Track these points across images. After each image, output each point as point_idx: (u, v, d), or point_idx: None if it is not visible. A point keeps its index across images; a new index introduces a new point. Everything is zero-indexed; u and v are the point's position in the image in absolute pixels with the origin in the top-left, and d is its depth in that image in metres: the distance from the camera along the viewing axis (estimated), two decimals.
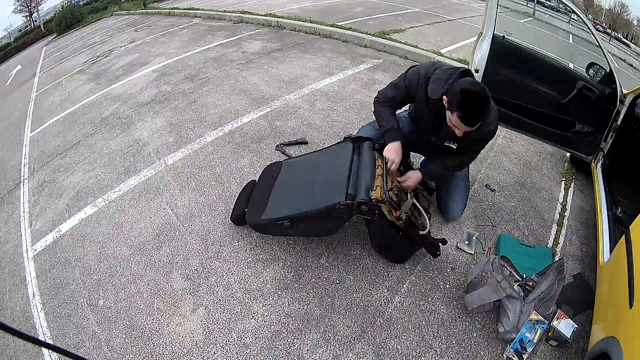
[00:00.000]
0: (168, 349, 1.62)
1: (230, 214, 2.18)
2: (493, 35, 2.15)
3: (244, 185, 2.31)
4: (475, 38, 2.30)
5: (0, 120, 6.05)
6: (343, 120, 3.17)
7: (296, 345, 1.58)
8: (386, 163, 1.83)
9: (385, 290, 1.78)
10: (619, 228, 1.81)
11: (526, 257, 1.91)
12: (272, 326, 1.66)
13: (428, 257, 1.87)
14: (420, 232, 1.70)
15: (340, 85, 3.83)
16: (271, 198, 1.96)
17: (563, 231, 2.21)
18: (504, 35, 2.19)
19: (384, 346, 1.57)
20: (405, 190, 1.82)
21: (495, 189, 2.45)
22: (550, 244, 2.10)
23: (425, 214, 1.79)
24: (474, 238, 2.04)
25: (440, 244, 1.78)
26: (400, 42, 4.95)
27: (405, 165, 1.92)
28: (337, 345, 1.58)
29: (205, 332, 1.66)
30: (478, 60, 2.20)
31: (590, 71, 2.30)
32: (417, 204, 1.82)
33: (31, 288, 2.08)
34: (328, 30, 5.66)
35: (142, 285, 1.91)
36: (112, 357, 1.62)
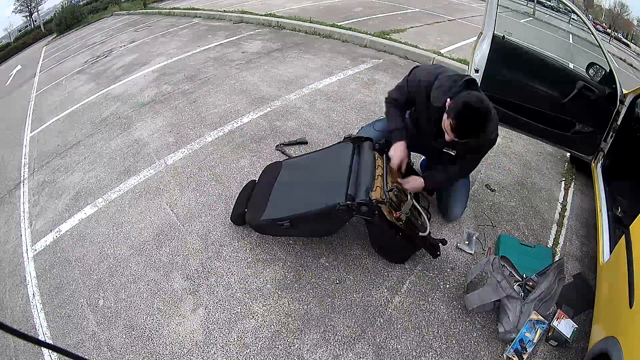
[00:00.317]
0: (168, 349, 1.62)
1: (230, 214, 2.18)
2: (493, 35, 2.15)
3: (244, 185, 2.31)
4: (475, 38, 2.30)
5: (0, 120, 6.05)
6: (343, 120, 3.17)
7: (296, 345, 1.58)
8: (387, 162, 1.83)
9: (385, 290, 1.78)
10: (619, 228, 1.81)
11: (526, 257, 1.91)
12: (272, 326, 1.66)
13: (428, 257, 1.87)
14: (421, 234, 1.70)
15: (340, 85, 3.83)
16: (271, 198, 1.96)
17: (563, 231, 2.21)
18: (504, 35, 2.19)
19: (384, 346, 1.57)
20: (405, 191, 1.82)
21: (495, 189, 2.45)
22: (550, 244, 2.10)
23: (425, 215, 1.79)
24: (474, 238, 2.04)
25: (440, 244, 1.78)
26: (400, 42, 4.95)
27: (408, 167, 1.92)
28: (337, 345, 1.58)
29: (205, 332, 1.66)
30: (478, 60, 2.20)
31: (590, 71, 2.30)
32: (417, 205, 1.82)
33: (31, 288, 2.08)
34: (328, 30, 5.66)
35: (142, 285, 1.91)
36: (112, 357, 1.62)
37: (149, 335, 1.68)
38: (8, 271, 2.30)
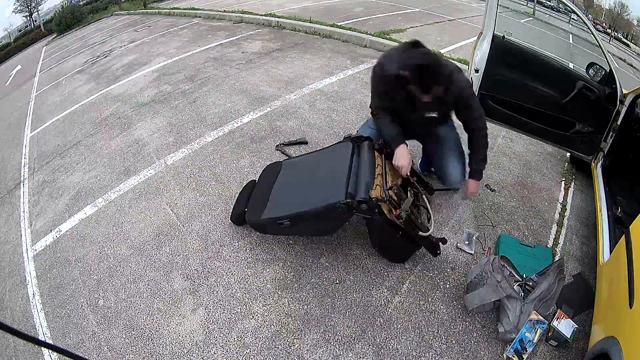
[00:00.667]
0: (168, 349, 1.62)
1: (230, 214, 2.18)
2: (493, 35, 2.15)
3: (244, 185, 2.31)
4: (475, 38, 2.30)
5: (0, 120, 6.05)
6: (343, 120, 3.17)
7: (296, 345, 1.58)
8: (387, 162, 1.84)
9: (385, 290, 1.78)
10: (619, 228, 1.81)
11: (526, 257, 1.90)
12: (272, 326, 1.66)
13: (428, 257, 1.87)
14: (421, 233, 1.70)
15: (340, 85, 3.83)
16: (271, 198, 1.96)
17: (563, 231, 2.21)
18: (504, 35, 2.19)
19: (384, 346, 1.57)
20: (405, 189, 1.82)
21: (495, 189, 2.45)
22: (550, 244, 2.10)
23: (425, 214, 1.79)
24: (474, 238, 2.04)
25: (440, 243, 1.78)
26: (400, 42, 4.94)
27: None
28: (337, 345, 1.58)
29: (205, 332, 1.66)
30: (478, 60, 2.20)
31: (590, 71, 2.30)
32: (417, 203, 1.82)
33: (31, 288, 2.08)
34: (328, 30, 5.66)
35: (142, 285, 1.91)
36: (112, 357, 1.62)
37: (149, 335, 1.68)
38: (8, 271, 2.30)
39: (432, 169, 2.30)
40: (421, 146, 2.32)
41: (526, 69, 2.26)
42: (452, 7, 9.33)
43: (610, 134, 2.26)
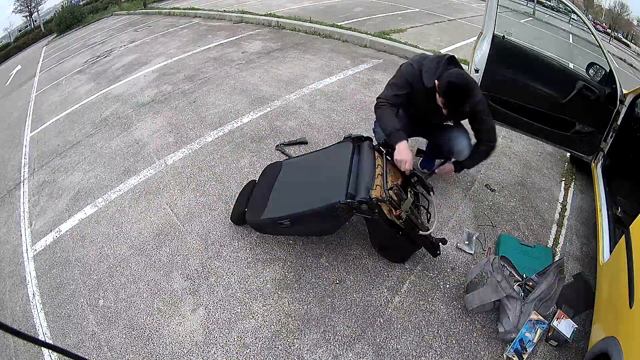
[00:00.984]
0: (168, 349, 1.62)
1: (230, 214, 2.18)
2: (493, 35, 2.15)
3: (244, 185, 2.31)
4: (475, 38, 2.30)
5: (0, 120, 6.05)
6: (343, 120, 3.17)
7: (296, 345, 1.58)
8: (387, 161, 1.84)
9: (385, 290, 1.78)
10: (619, 228, 1.81)
11: (526, 257, 1.91)
12: (272, 326, 1.66)
13: (428, 257, 1.87)
14: (421, 233, 1.70)
15: (340, 85, 3.83)
16: (271, 198, 1.96)
17: (563, 231, 2.21)
18: (504, 35, 2.19)
19: (384, 346, 1.57)
20: (406, 189, 1.82)
21: (495, 189, 2.45)
22: (550, 244, 2.10)
23: (427, 213, 1.79)
24: (474, 238, 2.04)
25: (440, 243, 1.78)
26: (400, 42, 4.95)
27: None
28: (337, 345, 1.58)
29: (205, 332, 1.66)
30: (478, 60, 2.20)
31: (590, 71, 2.30)
32: (417, 203, 1.82)
33: (31, 288, 2.08)
34: (328, 30, 5.66)
35: (142, 285, 1.91)
36: (112, 357, 1.62)
37: (149, 335, 1.68)
38: (8, 271, 2.30)
39: (435, 156, 2.41)
40: (417, 146, 2.36)
41: (526, 69, 2.26)
42: (452, 7, 9.34)
43: (610, 134, 2.26)
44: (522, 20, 8.48)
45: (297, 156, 2.43)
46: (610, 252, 1.63)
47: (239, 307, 1.74)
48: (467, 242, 2.02)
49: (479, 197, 2.37)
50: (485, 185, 2.47)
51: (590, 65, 2.31)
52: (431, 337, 1.60)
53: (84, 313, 1.84)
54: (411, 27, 6.36)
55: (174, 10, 10.35)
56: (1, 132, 5.25)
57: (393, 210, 1.65)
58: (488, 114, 1.95)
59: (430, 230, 1.74)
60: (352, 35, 5.31)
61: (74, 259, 2.17)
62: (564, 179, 2.68)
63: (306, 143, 2.85)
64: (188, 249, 2.07)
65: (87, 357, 0.76)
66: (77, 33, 14.34)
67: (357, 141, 1.99)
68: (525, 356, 1.50)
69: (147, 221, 2.31)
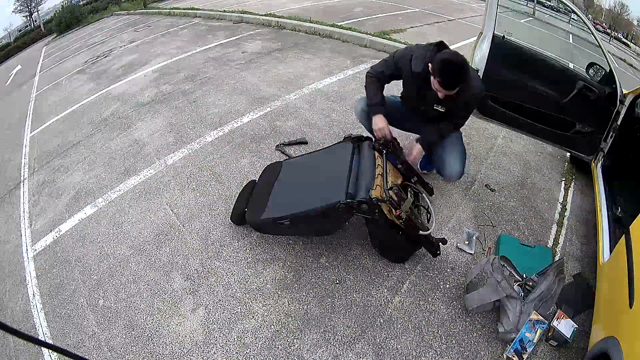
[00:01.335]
0: (168, 349, 1.62)
1: (230, 214, 2.18)
2: (493, 35, 2.15)
3: (244, 185, 2.31)
4: (475, 38, 2.30)
5: (0, 120, 6.05)
6: (343, 120, 3.17)
7: (296, 345, 1.58)
8: (387, 161, 1.84)
9: (385, 290, 1.78)
10: (619, 228, 1.81)
11: (526, 257, 1.90)
12: (272, 326, 1.66)
13: (428, 257, 1.87)
14: (421, 233, 1.70)
15: (340, 85, 3.83)
16: (271, 198, 1.96)
17: (563, 231, 2.21)
18: (504, 35, 2.19)
19: (384, 346, 1.57)
20: (406, 189, 1.82)
21: (495, 189, 2.45)
22: (550, 244, 2.10)
23: (425, 214, 1.79)
24: (474, 238, 2.04)
25: (440, 243, 1.78)
26: (400, 42, 4.95)
27: (408, 166, 1.94)
28: (337, 345, 1.58)
29: (205, 332, 1.66)
30: (478, 60, 2.19)
31: (590, 71, 2.30)
32: (418, 203, 1.82)
33: (31, 288, 2.08)
34: (328, 30, 5.66)
35: (142, 285, 1.91)
36: (112, 357, 1.62)
37: (149, 335, 1.68)
38: (8, 271, 2.30)
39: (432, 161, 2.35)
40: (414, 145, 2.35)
41: (526, 69, 2.26)
42: (452, 7, 9.33)
43: (610, 134, 2.25)
44: (522, 20, 8.48)
45: (297, 156, 2.43)
46: (610, 252, 1.63)
47: (239, 307, 1.74)
48: (467, 242, 2.02)
49: (479, 197, 2.37)
50: (485, 185, 2.47)
51: (590, 65, 2.31)
52: (431, 337, 1.60)
53: (84, 313, 1.84)
54: (411, 27, 6.36)
55: (174, 10, 10.35)
56: (1, 132, 5.25)
57: (393, 210, 1.65)
58: (472, 111, 1.98)
59: (430, 230, 1.74)
60: (352, 35, 5.31)
61: (74, 258, 2.17)
62: (564, 179, 2.68)
63: (306, 143, 2.85)
64: (188, 249, 2.07)
65: (87, 357, 0.76)
66: (77, 33, 14.35)
67: (357, 141, 1.99)
68: (525, 356, 1.50)
69: (147, 221, 2.31)
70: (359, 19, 6.90)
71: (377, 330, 1.63)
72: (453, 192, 2.37)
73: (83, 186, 2.81)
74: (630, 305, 1.15)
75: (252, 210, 2.01)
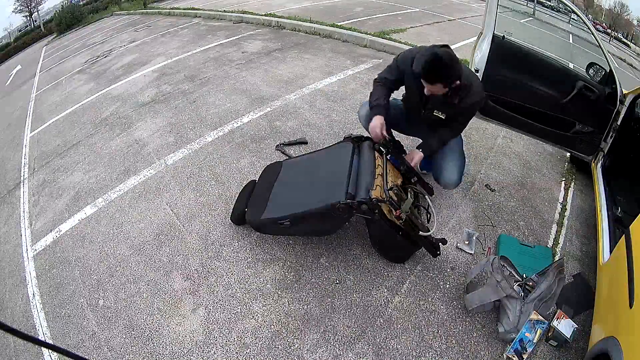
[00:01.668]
0: (168, 349, 1.62)
1: (230, 214, 2.18)
2: (493, 35, 2.15)
3: (244, 185, 2.31)
4: (475, 38, 2.30)
5: (0, 120, 6.04)
6: (343, 120, 3.17)
7: (296, 345, 1.58)
8: (387, 161, 1.84)
9: (385, 290, 1.78)
10: (619, 228, 1.81)
11: (526, 257, 1.91)
12: (272, 326, 1.66)
13: (428, 257, 1.87)
14: (421, 233, 1.70)
15: (340, 85, 3.83)
16: (271, 198, 1.96)
17: (563, 231, 2.21)
18: (504, 35, 2.19)
19: (384, 346, 1.57)
20: (406, 190, 1.82)
21: (495, 189, 2.45)
22: (550, 244, 2.10)
23: (427, 213, 1.79)
24: (474, 238, 2.04)
25: (440, 243, 1.78)
26: (400, 42, 4.95)
27: (407, 167, 1.93)
28: (337, 345, 1.58)
29: (205, 332, 1.66)
30: (478, 60, 2.20)
31: (590, 71, 2.30)
32: (418, 204, 1.82)
33: (31, 288, 2.08)
34: (328, 30, 5.66)
35: (142, 285, 1.91)
36: (112, 357, 1.62)
37: (149, 335, 1.68)
38: (8, 271, 2.30)
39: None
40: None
41: (526, 69, 2.26)
42: (452, 7, 9.34)
43: (610, 134, 2.25)
44: (522, 20, 8.48)
45: (297, 156, 2.43)
46: (610, 252, 1.63)
47: (239, 307, 1.74)
48: (467, 242, 2.02)
49: (479, 197, 2.37)
50: (485, 185, 2.47)
51: (590, 65, 2.31)
52: (431, 337, 1.60)
53: (84, 313, 1.84)
54: (411, 27, 6.36)
55: (174, 10, 10.35)
56: (1, 132, 5.25)
57: (393, 210, 1.65)
58: (474, 114, 1.96)
59: (431, 232, 1.74)
60: (352, 35, 5.31)
61: (74, 259, 2.17)
62: (564, 179, 2.68)
63: (306, 143, 2.85)
64: (188, 249, 2.07)
65: (87, 357, 0.76)
66: (77, 33, 14.34)
67: (357, 141, 1.99)
68: (525, 356, 1.50)
69: (147, 221, 2.31)
70: (359, 19, 6.90)
71: (377, 330, 1.63)
72: (453, 192, 2.37)
73: (83, 186, 2.81)
74: (630, 305, 1.15)
75: (252, 211, 2.01)
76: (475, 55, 2.23)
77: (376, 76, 2.04)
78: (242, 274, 1.89)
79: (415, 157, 1.96)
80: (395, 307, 1.72)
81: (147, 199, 2.50)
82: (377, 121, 1.91)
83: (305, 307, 1.72)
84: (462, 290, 1.77)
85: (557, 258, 2.00)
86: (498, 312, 1.64)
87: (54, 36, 17.41)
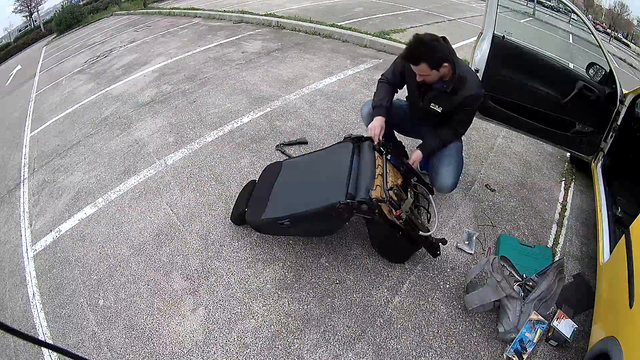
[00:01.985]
0: (168, 349, 1.62)
1: (230, 214, 2.18)
2: (493, 35, 2.15)
3: (244, 185, 2.31)
4: (475, 38, 2.30)
5: (0, 120, 6.04)
6: (343, 120, 3.17)
7: (296, 345, 1.58)
8: (387, 161, 1.84)
9: (385, 290, 1.78)
10: (619, 228, 1.81)
11: (526, 257, 1.91)
12: (272, 326, 1.66)
13: (428, 257, 1.87)
14: (421, 233, 1.70)
15: (340, 85, 3.83)
16: (271, 198, 1.96)
17: (563, 231, 2.21)
18: (504, 35, 2.19)
19: (384, 346, 1.57)
20: (406, 190, 1.82)
21: (495, 189, 2.45)
22: (550, 244, 2.10)
23: (427, 213, 1.79)
24: (474, 238, 2.04)
25: (440, 243, 1.78)
26: (400, 42, 4.95)
27: (407, 167, 1.93)
28: (337, 345, 1.58)
29: (205, 332, 1.66)
30: (478, 60, 2.20)
31: (590, 71, 2.30)
32: (418, 204, 1.82)
33: (31, 288, 2.08)
34: (328, 30, 5.66)
35: (142, 285, 1.91)
36: (112, 357, 1.62)
37: (149, 335, 1.68)
38: (8, 271, 2.30)
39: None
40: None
41: (526, 69, 2.26)
42: (452, 7, 9.34)
43: (610, 134, 2.26)
44: (522, 20, 8.48)
45: (297, 156, 2.43)
46: (610, 252, 1.63)
47: (239, 307, 1.74)
48: (467, 242, 2.02)
49: (479, 197, 2.37)
50: (485, 185, 2.47)
51: (590, 65, 2.31)
52: (431, 337, 1.60)
53: (84, 313, 1.84)
54: (411, 27, 6.36)
55: (174, 10, 10.35)
56: (1, 132, 5.25)
57: (393, 210, 1.65)
58: (472, 115, 1.95)
59: (431, 232, 1.74)
60: (352, 35, 5.31)
61: (74, 259, 2.17)
62: (564, 179, 2.68)
63: (306, 143, 2.85)
64: (188, 249, 2.07)
65: (87, 357, 0.76)
66: (77, 33, 14.35)
67: (357, 141, 1.99)
68: (525, 356, 1.50)
69: (147, 221, 2.31)
70: (359, 19, 6.90)
71: (377, 330, 1.63)
72: (453, 192, 2.37)
73: (83, 186, 2.81)
74: (630, 305, 1.15)
75: (252, 211, 2.01)
76: (475, 55, 2.23)
77: (382, 75, 2.07)
78: (242, 274, 1.89)
79: (414, 156, 1.97)
80: (395, 307, 1.72)
81: (147, 199, 2.50)
82: (377, 122, 1.92)
83: (305, 307, 1.72)
84: (462, 290, 1.77)
85: (557, 258, 2.00)
86: (498, 312, 1.64)
87: (54, 36, 17.41)
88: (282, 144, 2.84)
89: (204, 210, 2.30)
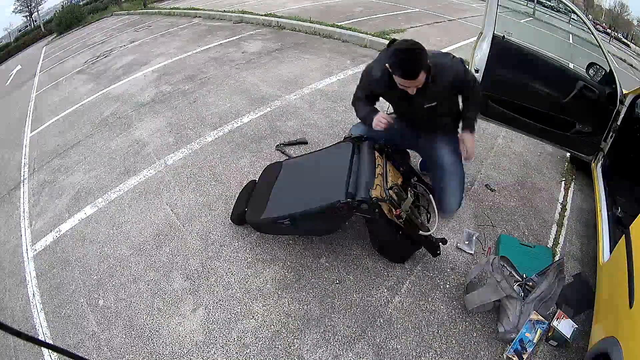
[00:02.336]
0: (168, 349, 1.62)
1: (230, 214, 2.18)
2: (493, 35, 2.15)
3: (244, 185, 2.31)
4: (475, 38, 2.30)
5: (0, 120, 6.05)
6: (343, 120, 3.17)
7: (296, 345, 1.58)
8: (387, 162, 1.83)
9: (385, 290, 1.78)
10: (619, 228, 1.81)
11: (526, 257, 1.90)
12: (272, 326, 1.66)
13: (428, 257, 1.87)
14: (421, 232, 1.70)
15: (340, 85, 3.83)
16: (271, 197, 1.96)
17: (563, 231, 2.21)
18: (504, 35, 2.19)
19: (384, 346, 1.57)
20: (406, 189, 1.82)
21: (495, 189, 2.45)
22: (550, 244, 2.10)
23: (427, 213, 1.79)
24: (474, 238, 2.04)
25: (440, 243, 1.78)
26: None
27: (407, 167, 1.92)
28: (337, 345, 1.58)
29: (205, 332, 1.66)
30: (478, 60, 2.20)
31: (590, 71, 2.30)
32: (418, 203, 1.82)
33: (31, 288, 2.08)
34: (328, 30, 5.66)
35: (142, 285, 1.91)
36: (112, 357, 1.62)
37: (149, 335, 1.68)
38: (8, 271, 2.30)
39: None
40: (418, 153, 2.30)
41: (526, 69, 2.25)
42: (452, 7, 9.33)
43: (610, 134, 2.25)
44: (522, 20, 8.49)
45: (297, 156, 2.43)
46: (610, 252, 1.63)
47: (239, 307, 1.74)
48: (467, 242, 2.02)
49: (479, 197, 2.37)
50: (485, 185, 2.47)
51: (590, 65, 2.31)
52: (431, 337, 1.60)
53: (84, 313, 1.84)
54: (411, 27, 6.36)
55: (174, 10, 10.35)
56: (1, 132, 5.25)
57: (393, 209, 1.65)
58: (477, 83, 1.88)
59: (431, 231, 1.74)
60: (352, 35, 5.31)
61: (74, 259, 2.17)
62: (564, 179, 2.68)
63: (306, 143, 2.85)
64: (188, 249, 2.07)
65: (87, 357, 0.76)
66: (77, 33, 14.33)
67: (357, 141, 1.99)
68: (525, 356, 1.50)
69: (147, 221, 2.31)
70: (359, 19, 6.90)
71: (377, 330, 1.63)
72: None
73: (83, 186, 2.81)
74: (630, 306, 1.15)
75: (252, 210, 2.01)
76: (475, 55, 2.23)
77: (352, 99, 2.04)
78: (242, 274, 1.89)
79: (467, 141, 1.84)
80: (395, 307, 1.72)
81: (147, 199, 2.50)
82: (378, 115, 1.85)
83: (305, 307, 1.72)
84: (462, 290, 1.77)
85: (557, 258, 1.99)
86: (498, 312, 1.64)
87: (54, 36, 17.40)
88: (282, 144, 2.84)
89: (204, 210, 2.30)
